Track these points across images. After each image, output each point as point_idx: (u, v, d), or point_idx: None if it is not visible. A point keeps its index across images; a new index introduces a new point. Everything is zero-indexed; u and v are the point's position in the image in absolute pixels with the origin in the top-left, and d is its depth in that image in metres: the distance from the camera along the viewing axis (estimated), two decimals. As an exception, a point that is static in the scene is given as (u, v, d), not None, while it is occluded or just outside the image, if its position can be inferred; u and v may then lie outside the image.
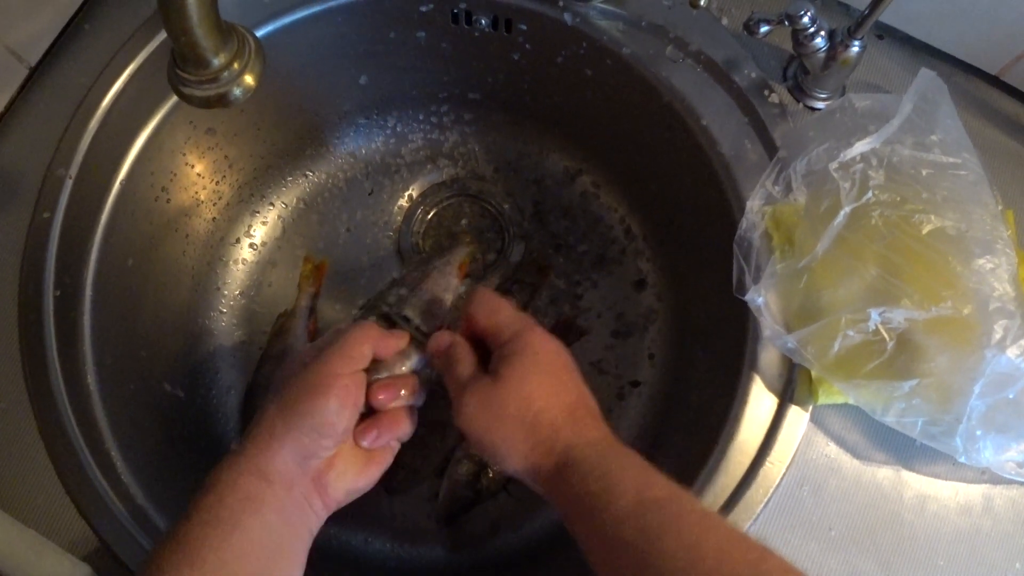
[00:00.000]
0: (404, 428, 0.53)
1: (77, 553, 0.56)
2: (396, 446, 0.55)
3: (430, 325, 0.60)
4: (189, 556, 0.43)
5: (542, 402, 0.48)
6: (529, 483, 0.49)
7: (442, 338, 0.55)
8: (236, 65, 0.39)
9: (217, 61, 0.38)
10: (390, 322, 0.59)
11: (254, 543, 0.45)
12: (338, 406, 0.48)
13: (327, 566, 0.59)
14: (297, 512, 0.48)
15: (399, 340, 0.54)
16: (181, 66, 0.38)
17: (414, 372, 0.55)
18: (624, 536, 0.42)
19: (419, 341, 0.56)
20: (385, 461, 0.54)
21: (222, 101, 0.39)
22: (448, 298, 0.65)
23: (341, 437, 0.50)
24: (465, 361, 0.52)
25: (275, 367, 0.75)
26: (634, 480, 0.45)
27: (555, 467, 0.47)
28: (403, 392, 0.53)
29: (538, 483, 0.48)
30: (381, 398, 0.52)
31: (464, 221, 0.83)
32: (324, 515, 0.51)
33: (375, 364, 0.53)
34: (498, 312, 0.53)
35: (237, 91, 0.39)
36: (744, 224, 0.60)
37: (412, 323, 0.59)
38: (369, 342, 0.52)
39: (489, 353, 0.52)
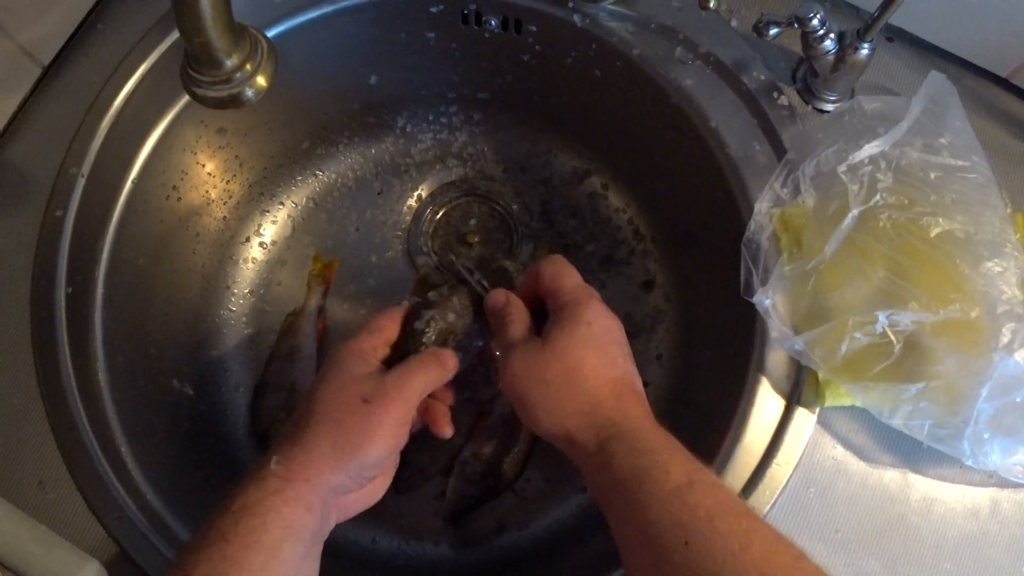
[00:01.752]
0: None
1: (87, 550, 0.56)
2: (398, 460, 0.56)
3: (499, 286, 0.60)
4: None
5: (586, 371, 0.49)
6: (566, 451, 0.50)
7: (499, 296, 0.56)
8: (249, 66, 0.39)
9: (230, 62, 0.38)
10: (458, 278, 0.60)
11: (289, 569, 0.45)
12: (391, 452, 0.50)
13: (334, 564, 0.59)
14: (322, 531, 0.49)
15: (450, 371, 0.56)
16: (194, 67, 0.38)
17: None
18: (671, 513, 0.43)
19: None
20: (391, 477, 0.56)
21: (235, 102, 0.40)
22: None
23: (382, 473, 0.53)
24: (518, 322, 0.53)
25: (284, 365, 0.75)
26: (684, 461, 0.45)
27: (596, 441, 0.47)
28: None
29: (576, 453, 0.49)
30: (445, 428, 0.56)
31: (473, 221, 0.83)
32: (333, 526, 0.52)
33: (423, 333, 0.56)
34: (563, 277, 0.54)
35: (250, 92, 0.40)
36: (752, 226, 0.60)
37: (475, 276, 0.60)
38: (430, 388, 0.53)
39: (544, 321, 0.53)
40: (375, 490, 0.55)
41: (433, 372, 0.53)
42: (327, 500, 0.49)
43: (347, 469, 0.48)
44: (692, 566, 0.41)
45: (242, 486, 0.47)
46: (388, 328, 0.57)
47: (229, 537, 0.44)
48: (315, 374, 0.75)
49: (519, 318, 0.54)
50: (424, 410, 0.57)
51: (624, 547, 0.46)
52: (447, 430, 0.55)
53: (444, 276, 0.79)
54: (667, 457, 0.45)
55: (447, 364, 0.55)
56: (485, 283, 0.60)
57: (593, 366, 0.49)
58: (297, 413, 0.52)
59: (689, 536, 0.41)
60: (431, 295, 0.60)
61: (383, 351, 0.56)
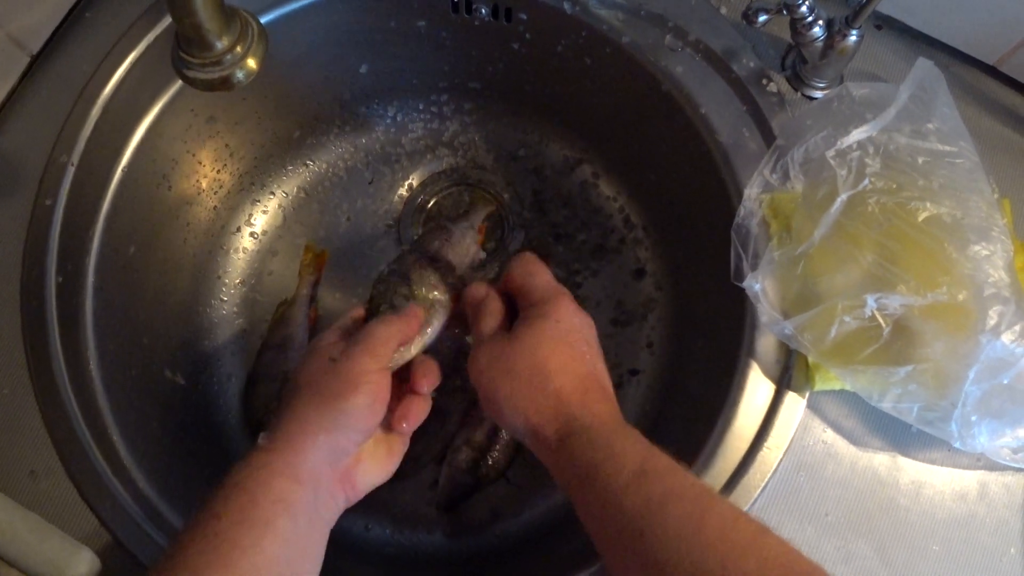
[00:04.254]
0: (428, 410, 0.55)
1: (80, 539, 0.56)
2: (408, 439, 0.55)
3: (449, 293, 0.60)
4: (222, 557, 0.43)
5: (553, 368, 0.49)
6: (530, 446, 0.50)
7: (478, 290, 0.56)
8: (239, 48, 0.39)
9: (220, 44, 0.38)
10: (408, 288, 0.59)
11: (284, 545, 0.45)
12: (371, 402, 0.49)
13: (327, 552, 0.59)
14: (323, 510, 0.49)
15: (415, 322, 0.55)
16: (185, 49, 0.38)
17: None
18: (627, 504, 0.43)
19: (435, 313, 0.57)
20: (401, 453, 0.55)
21: (225, 84, 0.40)
22: (466, 264, 0.65)
23: (372, 433, 0.51)
24: (493, 316, 0.54)
25: (276, 355, 0.75)
26: (637, 452, 0.45)
27: (558, 435, 0.47)
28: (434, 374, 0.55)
29: (539, 448, 0.49)
30: (425, 384, 0.54)
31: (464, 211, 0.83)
32: (344, 508, 0.52)
33: None
34: (535, 276, 0.54)
35: (240, 74, 0.40)
36: (742, 211, 0.60)
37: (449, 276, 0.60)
38: (394, 337, 0.53)
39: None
40: (381, 460, 0.54)
41: (394, 323, 0.53)
42: (320, 470, 0.48)
43: (334, 425, 0.48)
44: (652, 555, 0.41)
45: (235, 466, 0.47)
46: (356, 312, 0.58)
47: (221, 514, 0.44)
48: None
49: (494, 312, 0.54)
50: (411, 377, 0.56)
51: (593, 538, 0.46)
52: (422, 383, 0.54)
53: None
54: (622, 449, 0.45)
55: (410, 314, 0.55)
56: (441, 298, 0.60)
57: (560, 362, 0.49)
58: (283, 398, 0.52)
59: (644, 525, 0.42)
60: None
61: (351, 327, 0.57)
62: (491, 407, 0.51)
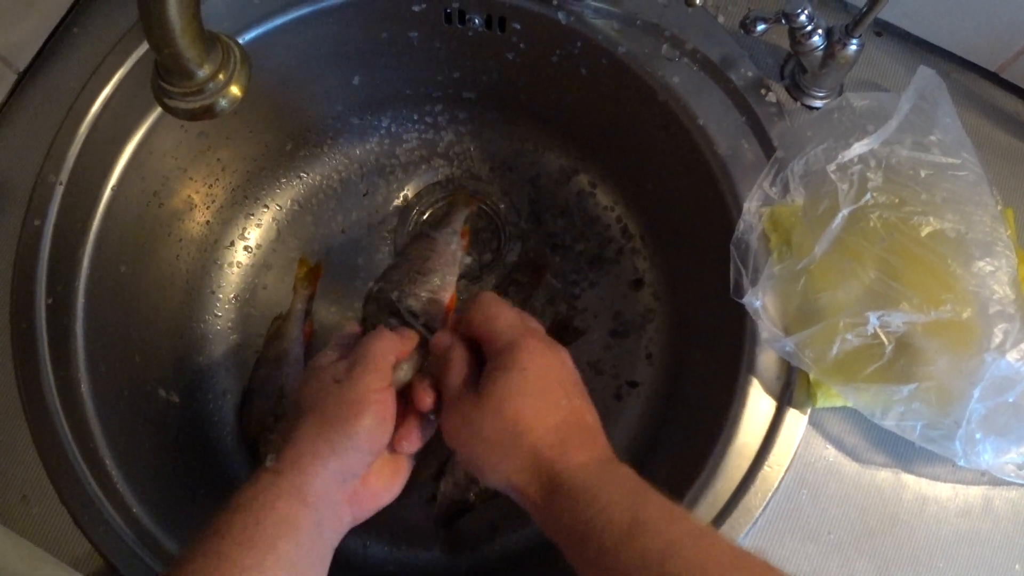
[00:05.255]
0: (432, 430, 0.54)
1: (73, 564, 0.56)
2: (413, 458, 0.55)
3: (437, 313, 0.59)
4: None
5: (524, 424, 0.47)
6: (519, 503, 0.49)
7: (442, 340, 0.54)
8: (222, 76, 0.38)
9: (202, 72, 0.37)
10: (399, 318, 0.59)
11: (287, 567, 0.44)
12: (379, 422, 0.49)
13: (325, 571, 0.59)
14: (328, 531, 0.48)
15: (411, 340, 0.55)
16: (165, 78, 0.37)
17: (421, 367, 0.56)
18: (623, 562, 0.41)
19: (424, 337, 0.56)
20: (407, 472, 0.54)
21: (208, 113, 0.39)
22: (455, 272, 0.64)
23: (380, 452, 0.50)
24: (457, 369, 0.51)
25: (271, 371, 0.75)
26: (627, 502, 0.44)
27: (542, 493, 0.46)
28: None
29: (527, 506, 0.48)
30: (428, 402, 0.52)
31: (459, 221, 0.82)
32: (348, 528, 0.51)
33: None
34: (495, 320, 0.52)
35: (223, 102, 0.39)
36: (741, 225, 0.59)
37: (419, 320, 0.59)
38: (392, 352, 0.52)
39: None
40: (388, 480, 0.53)
41: (388, 338, 0.53)
42: (328, 492, 0.48)
43: (343, 447, 0.47)
44: None
45: (240, 488, 0.47)
46: (353, 328, 0.58)
47: (223, 534, 0.44)
48: (302, 379, 0.75)
49: (457, 364, 0.51)
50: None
51: None
52: (425, 401, 0.53)
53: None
54: (608, 501, 0.44)
55: (402, 332, 0.55)
56: (430, 325, 0.59)
57: (531, 417, 0.47)
58: (286, 419, 0.51)
59: None
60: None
61: (350, 344, 0.55)
62: (470, 468, 0.50)
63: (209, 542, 0.44)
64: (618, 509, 0.43)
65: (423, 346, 0.55)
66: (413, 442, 0.52)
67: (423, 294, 0.61)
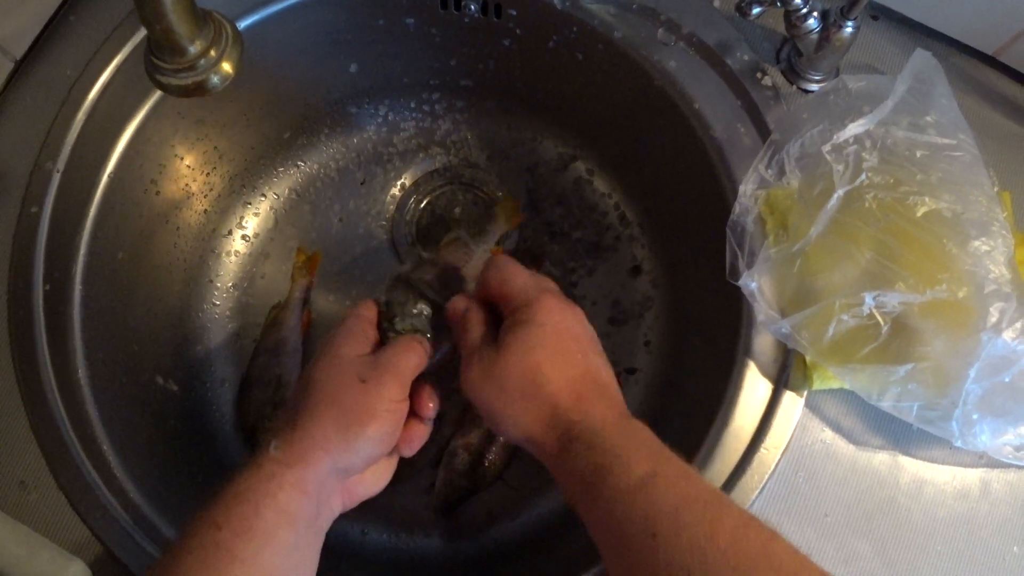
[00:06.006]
0: (428, 434, 0.55)
1: (72, 550, 0.56)
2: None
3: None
4: (220, 569, 0.42)
5: (543, 376, 0.48)
6: (534, 454, 0.49)
7: (458, 303, 0.55)
8: (213, 52, 0.38)
9: (193, 48, 0.37)
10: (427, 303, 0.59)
11: (284, 556, 0.45)
12: (393, 430, 0.50)
13: (323, 558, 0.59)
14: (322, 518, 0.49)
15: (427, 353, 0.55)
16: (157, 54, 0.37)
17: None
18: (636, 508, 0.42)
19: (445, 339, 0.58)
20: (395, 465, 0.55)
21: (200, 89, 0.39)
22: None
23: (384, 454, 0.52)
24: (476, 327, 0.52)
25: (269, 359, 0.75)
26: (646, 454, 0.44)
27: (559, 443, 0.46)
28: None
29: (542, 456, 0.48)
30: (431, 409, 0.54)
31: (458, 209, 0.82)
32: (337, 515, 0.51)
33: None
34: (511, 280, 0.52)
35: (215, 79, 0.39)
36: (737, 208, 0.59)
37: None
38: (418, 369, 0.53)
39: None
40: (381, 475, 0.54)
41: (416, 354, 0.53)
42: (327, 483, 0.48)
43: (352, 447, 0.48)
44: (661, 562, 0.40)
45: (238, 474, 0.47)
46: (371, 310, 0.58)
47: (221, 524, 0.44)
48: (301, 367, 0.75)
49: (476, 323, 0.53)
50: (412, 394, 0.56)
51: (598, 545, 0.45)
52: (428, 408, 0.54)
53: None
54: (629, 451, 0.44)
55: (426, 348, 0.55)
56: (439, 297, 0.60)
57: (550, 369, 0.48)
58: (293, 399, 0.51)
59: (655, 531, 0.41)
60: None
61: (372, 333, 0.56)
62: (488, 421, 0.51)
63: (207, 533, 0.43)
64: (636, 459, 0.44)
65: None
66: (414, 446, 0.53)
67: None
